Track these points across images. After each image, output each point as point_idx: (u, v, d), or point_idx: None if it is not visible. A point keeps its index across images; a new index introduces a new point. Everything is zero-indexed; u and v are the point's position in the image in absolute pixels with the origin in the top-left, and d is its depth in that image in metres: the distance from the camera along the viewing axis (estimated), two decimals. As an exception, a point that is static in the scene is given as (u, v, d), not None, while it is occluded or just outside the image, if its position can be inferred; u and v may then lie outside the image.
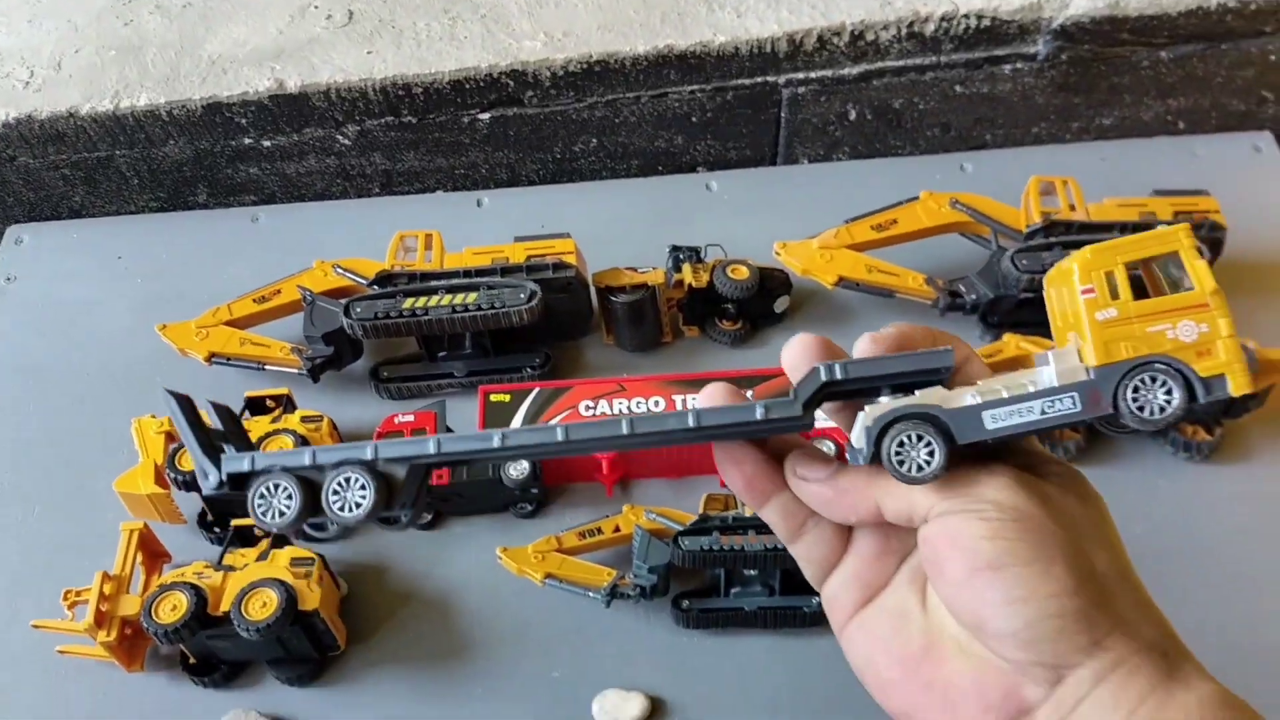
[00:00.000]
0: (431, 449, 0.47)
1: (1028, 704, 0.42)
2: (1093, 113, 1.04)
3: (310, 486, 0.47)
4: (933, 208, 0.89)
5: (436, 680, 0.74)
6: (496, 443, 0.46)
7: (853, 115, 1.02)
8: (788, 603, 0.74)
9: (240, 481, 0.48)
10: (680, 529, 0.73)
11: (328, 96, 0.95)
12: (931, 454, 0.42)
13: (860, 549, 0.49)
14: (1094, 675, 0.41)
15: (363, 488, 0.47)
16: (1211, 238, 0.85)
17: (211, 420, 0.50)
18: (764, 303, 0.90)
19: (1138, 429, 0.42)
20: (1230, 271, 0.90)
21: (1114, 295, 0.42)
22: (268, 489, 0.47)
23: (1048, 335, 0.82)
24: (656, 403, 0.81)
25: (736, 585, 0.75)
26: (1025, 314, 0.87)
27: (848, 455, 0.47)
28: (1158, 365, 0.42)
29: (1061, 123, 1.04)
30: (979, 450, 0.43)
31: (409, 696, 0.73)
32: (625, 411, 0.80)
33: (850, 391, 0.45)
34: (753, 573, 0.74)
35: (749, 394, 0.73)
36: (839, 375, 0.43)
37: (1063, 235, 0.84)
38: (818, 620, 0.73)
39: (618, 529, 0.77)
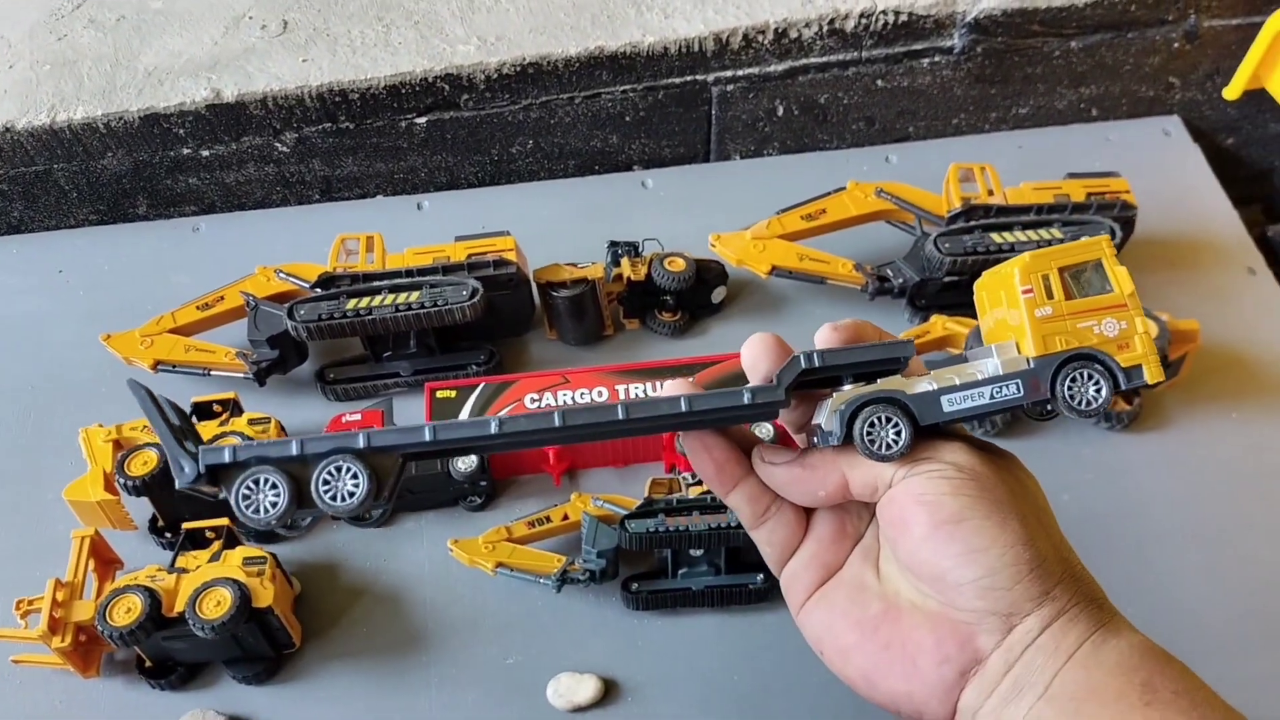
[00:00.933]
0: (426, 436, 0.47)
1: (982, 652, 0.46)
2: (1009, 103, 1.08)
3: (295, 479, 0.46)
4: (859, 197, 0.92)
5: (392, 672, 0.75)
6: (493, 429, 0.47)
7: (781, 111, 1.05)
8: (733, 581, 0.76)
9: (218, 475, 0.46)
10: (626, 513, 0.75)
11: (265, 105, 0.96)
12: (899, 433, 0.47)
13: (819, 533, 0.52)
14: (1040, 622, 0.45)
15: (354, 477, 0.46)
16: (1123, 217, 0.89)
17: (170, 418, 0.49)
18: (702, 293, 0.93)
19: (1069, 416, 0.48)
20: (1142, 248, 0.95)
21: (1049, 295, 0.48)
22: (252, 483, 0.46)
23: (973, 315, 0.86)
24: (600, 393, 0.83)
25: (683, 566, 0.77)
26: (950, 296, 0.90)
27: (815, 438, 0.50)
28: (1086, 358, 0.47)
29: (980, 113, 1.09)
30: (933, 433, 0.48)
31: (366, 690, 0.74)
32: (571, 403, 0.83)
33: (818, 380, 0.50)
34: (699, 553, 0.77)
35: (691, 380, 0.75)
36: (817, 363, 0.48)
37: (982, 218, 0.88)
38: (762, 597, 0.76)
39: (566, 517, 0.79)
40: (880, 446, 0.47)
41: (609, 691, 0.74)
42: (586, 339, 0.92)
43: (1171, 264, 0.97)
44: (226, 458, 0.46)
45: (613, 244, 0.92)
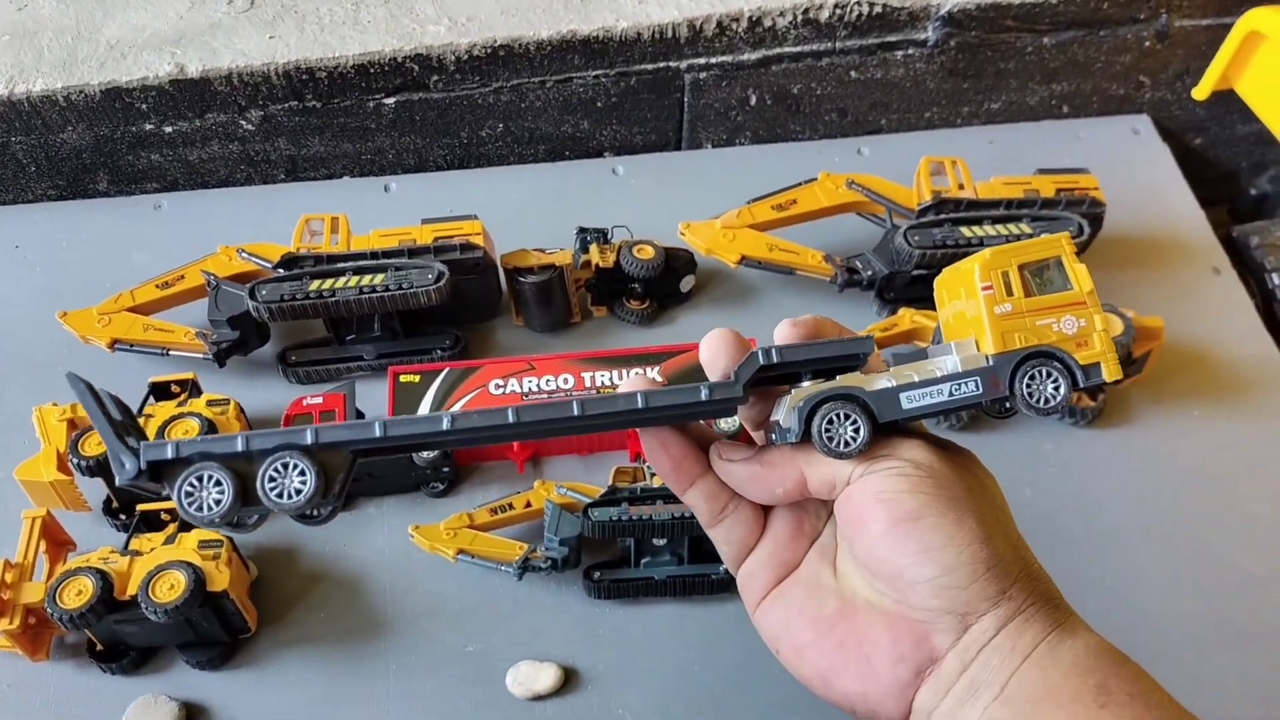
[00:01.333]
0: (377, 433, 0.45)
1: (937, 652, 0.45)
2: (981, 97, 1.08)
3: (240, 475, 0.44)
4: (830, 188, 0.91)
5: (350, 659, 0.74)
6: (445, 425, 0.46)
7: (753, 100, 1.05)
8: (696, 570, 0.76)
9: (160, 471, 0.45)
10: (590, 501, 0.74)
11: (230, 81, 0.95)
12: (857, 431, 0.47)
13: (776, 532, 0.52)
14: (996, 622, 0.45)
15: (301, 474, 0.45)
16: (1091, 213, 0.89)
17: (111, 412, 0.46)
18: (670, 282, 0.92)
19: (1028, 414, 0.47)
20: (1109, 245, 0.95)
21: (1009, 292, 0.48)
22: (196, 480, 0.44)
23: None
24: (565, 380, 0.82)
25: (646, 555, 0.77)
26: (919, 289, 0.90)
27: (774, 434, 0.50)
28: (1044, 357, 0.47)
29: (952, 107, 1.09)
30: (892, 430, 0.48)
31: (323, 676, 0.73)
32: (535, 390, 0.82)
33: (777, 376, 0.49)
34: (662, 542, 0.76)
35: (655, 371, 0.75)
36: (775, 359, 0.47)
37: (951, 212, 0.88)
38: (725, 586, 0.76)
39: (529, 504, 0.78)
40: (838, 444, 0.47)
41: (569, 680, 0.73)
42: (553, 326, 0.92)
43: (1138, 261, 0.98)
44: (169, 454, 0.44)
45: (581, 230, 0.91)
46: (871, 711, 0.47)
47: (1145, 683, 0.45)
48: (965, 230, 0.85)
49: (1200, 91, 1.03)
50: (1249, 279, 0.99)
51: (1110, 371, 0.47)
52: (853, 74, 1.04)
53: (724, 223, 0.90)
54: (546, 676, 0.73)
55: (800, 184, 0.92)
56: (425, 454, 0.79)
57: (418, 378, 0.82)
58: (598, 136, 1.06)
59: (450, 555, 0.75)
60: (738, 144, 1.09)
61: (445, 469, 0.81)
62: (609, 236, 0.91)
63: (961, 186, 0.89)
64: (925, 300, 0.88)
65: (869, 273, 0.88)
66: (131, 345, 0.84)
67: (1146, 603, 0.77)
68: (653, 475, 0.77)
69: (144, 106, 0.96)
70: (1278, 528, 0.82)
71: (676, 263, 0.91)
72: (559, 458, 0.84)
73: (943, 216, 0.87)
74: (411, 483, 0.81)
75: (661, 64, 1.00)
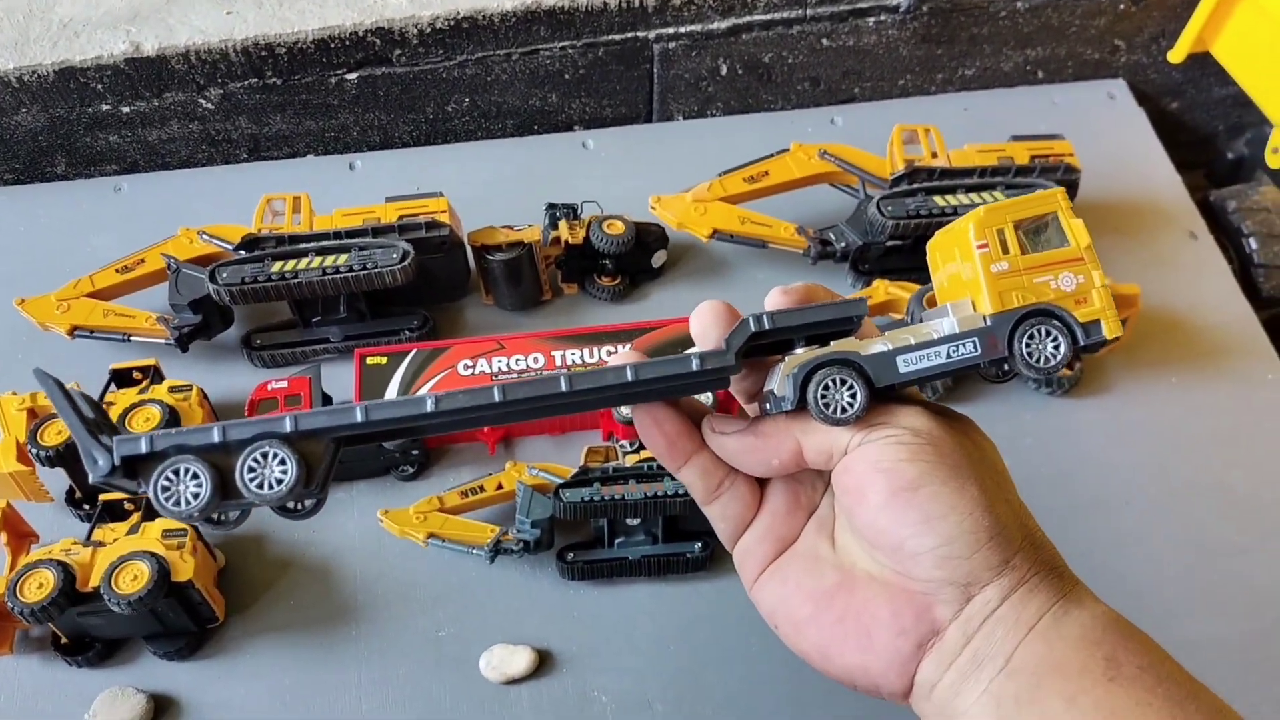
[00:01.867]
0: (359, 417, 0.43)
1: (939, 624, 0.44)
2: (955, 64, 1.07)
3: (218, 467, 0.43)
4: (802, 159, 0.90)
5: (321, 646, 0.73)
6: (430, 407, 0.44)
7: (724, 70, 1.03)
8: (670, 550, 0.75)
9: (135, 467, 0.43)
10: (561, 482, 0.73)
11: (187, 59, 0.92)
12: (854, 396, 0.45)
13: (773, 505, 0.50)
14: (1000, 593, 0.43)
15: (282, 463, 0.43)
16: (1066, 180, 0.88)
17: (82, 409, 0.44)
18: (642, 257, 0.90)
19: (1027, 375, 0.46)
20: (1084, 212, 0.92)
21: (1004, 250, 0.46)
22: (172, 474, 0.42)
23: (916, 280, 0.85)
24: (536, 359, 0.81)
25: (620, 535, 0.76)
26: (893, 260, 0.89)
27: (768, 404, 0.48)
28: (1044, 315, 0.46)
29: (926, 74, 1.07)
30: (889, 397, 0.47)
31: (293, 664, 0.72)
32: (505, 370, 0.80)
33: (769, 345, 0.47)
34: (635, 522, 0.75)
35: (628, 349, 0.73)
36: (767, 325, 0.45)
37: (925, 181, 0.87)
38: (700, 566, 0.75)
39: (500, 486, 0.77)
40: (835, 410, 0.45)
41: (543, 663, 0.72)
42: (523, 304, 0.90)
43: (1114, 228, 0.97)
44: (143, 448, 0.42)
45: (551, 206, 0.90)
46: (873, 685, 0.46)
47: (1155, 654, 0.43)
48: (939, 199, 0.84)
49: (1176, 54, 1.02)
50: (1225, 244, 0.98)
51: (1110, 329, 0.45)
52: (824, 41, 1.02)
53: (695, 196, 0.88)
54: (520, 659, 0.72)
55: (772, 155, 0.90)
56: (393, 437, 0.77)
57: (385, 360, 0.81)
58: (566, 110, 1.04)
59: (421, 540, 0.74)
60: (709, 115, 1.08)
61: (415, 452, 0.79)
62: (578, 212, 0.89)
63: (935, 155, 0.88)
64: (900, 271, 0.88)
65: (842, 244, 0.87)
66: (91, 331, 0.83)
67: (1126, 570, 0.77)
68: (625, 455, 0.76)
69: (100, 87, 0.93)
70: (1256, 493, 0.81)
71: (648, 238, 0.89)
72: (531, 438, 0.83)
73: (916, 186, 0.86)
74: (381, 466, 0.80)
75: (630, 34, 0.98)
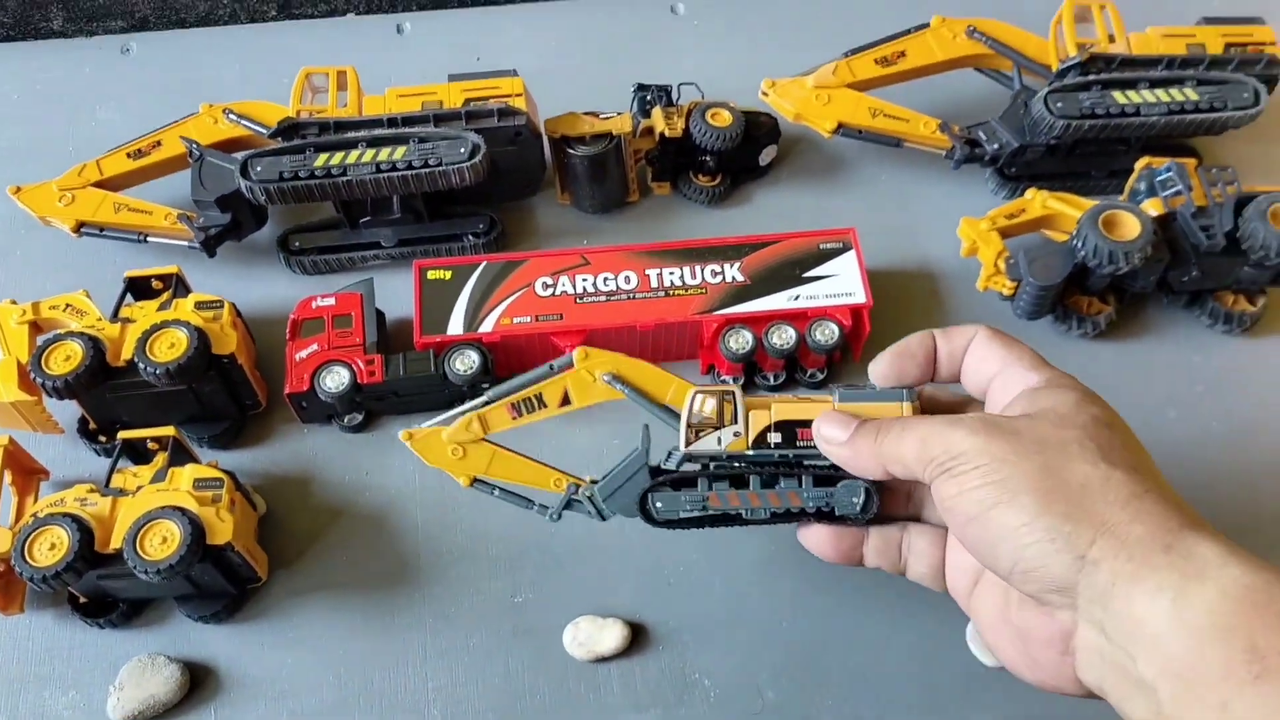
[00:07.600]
0: None
1: (1066, 628, 0.45)
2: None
3: None
4: (946, 37, 0.78)
5: (377, 610, 0.65)
6: None
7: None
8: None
9: None
10: (650, 481, 0.56)
11: (205, -109, 0.78)
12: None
13: (954, 542, 0.54)
14: (1096, 591, 0.42)
15: None
16: (1268, 74, 0.76)
17: None
18: (747, 153, 0.79)
19: None
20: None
21: None
22: None
23: (1078, 191, 0.72)
24: (628, 278, 0.69)
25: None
26: (1046, 164, 0.77)
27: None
28: None
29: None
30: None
31: (345, 630, 0.64)
32: (591, 290, 0.68)
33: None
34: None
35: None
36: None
37: (1102, 72, 0.73)
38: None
39: (566, 399, 0.57)
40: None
41: (636, 637, 0.64)
42: (606, 205, 0.79)
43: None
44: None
45: (640, 88, 0.78)
46: (1064, 694, 0.47)
47: None
48: (1119, 95, 0.72)
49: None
50: None
51: None
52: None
53: (817, 81, 0.76)
54: (611, 636, 0.63)
55: (909, 31, 0.78)
56: (461, 369, 0.67)
57: (449, 273, 0.70)
58: (655, -38, 0.90)
59: (463, 480, 0.58)
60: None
61: (484, 385, 0.68)
62: (674, 97, 0.76)
63: (1112, 39, 0.76)
64: (1057, 178, 0.77)
65: (994, 146, 0.74)
66: (101, 229, 0.74)
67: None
68: (742, 412, 0.60)
69: (101, -79, 0.80)
70: None
71: (758, 131, 0.77)
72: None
73: (1090, 78, 0.72)
74: (444, 402, 0.69)
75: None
